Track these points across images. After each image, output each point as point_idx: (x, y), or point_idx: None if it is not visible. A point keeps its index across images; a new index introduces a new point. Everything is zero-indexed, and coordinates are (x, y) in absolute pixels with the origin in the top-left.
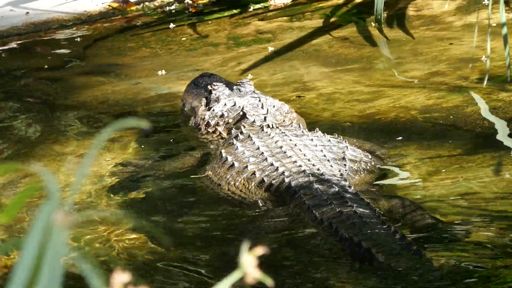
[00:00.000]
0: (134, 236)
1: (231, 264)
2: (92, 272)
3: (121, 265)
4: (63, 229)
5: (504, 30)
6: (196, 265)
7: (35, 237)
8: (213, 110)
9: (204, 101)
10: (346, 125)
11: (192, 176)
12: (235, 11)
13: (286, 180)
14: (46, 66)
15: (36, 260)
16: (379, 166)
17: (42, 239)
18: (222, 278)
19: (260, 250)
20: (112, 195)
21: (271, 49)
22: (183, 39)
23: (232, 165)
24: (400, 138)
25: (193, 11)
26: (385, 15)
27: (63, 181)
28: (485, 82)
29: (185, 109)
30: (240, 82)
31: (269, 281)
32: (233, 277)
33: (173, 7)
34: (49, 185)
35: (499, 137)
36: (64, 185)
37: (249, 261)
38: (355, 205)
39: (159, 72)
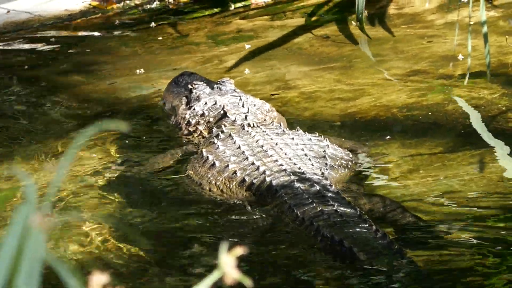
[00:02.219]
0: (113, 237)
1: (211, 264)
2: (70, 274)
3: (99, 266)
4: (41, 231)
5: (485, 28)
6: (175, 266)
7: (12, 239)
8: (194, 109)
9: (184, 100)
10: (327, 124)
11: (173, 176)
12: (216, 10)
13: (267, 179)
14: (26, 67)
15: (13, 262)
16: (360, 164)
17: (20, 241)
18: (202, 278)
19: (239, 250)
20: (92, 195)
21: (247, 46)
22: (163, 38)
23: (213, 164)
24: (388, 137)
25: (174, 9)
26: (366, 13)
27: (42, 182)
28: (466, 81)
29: (166, 108)
30: (221, 80)
31: (248, 282)
32: (213, 277)
33: (153, 5)
34: (26, 186)
35: (482, 139)
36: (43, 185)
37: (228, 261)
38: (336, 204)
39: (138, 71)
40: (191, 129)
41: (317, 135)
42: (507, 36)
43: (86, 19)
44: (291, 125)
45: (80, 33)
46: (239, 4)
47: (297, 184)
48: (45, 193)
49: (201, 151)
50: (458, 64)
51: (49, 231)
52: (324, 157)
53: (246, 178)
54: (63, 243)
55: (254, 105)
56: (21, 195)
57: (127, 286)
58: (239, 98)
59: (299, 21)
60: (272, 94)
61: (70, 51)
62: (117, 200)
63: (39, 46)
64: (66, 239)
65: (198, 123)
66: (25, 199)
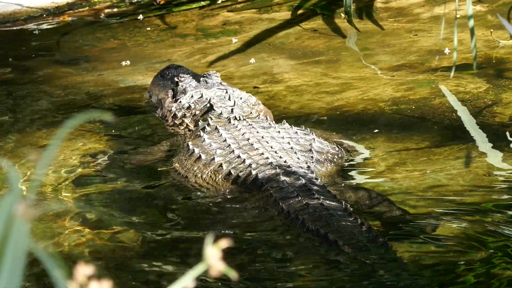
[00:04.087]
0: (97, 228)
1: (196, 256)
2: (54, 265)
3: (84, 258)
4: (25, 221)
5: (471, 23)
6: (161, 258)
7: None
8: (180, 102)
9: (171, 92)
10: (314, 117)
11: (159, 169)
12: (203, 2)
13: (253, 172)
14: (10, 60)
15: None
16: (346, 158)
17: (4, 231)
18: (187, 270)
19: (224, 243)
20: (77, 187)
21: (234, 40)
22: (151, 30)
23: (199, 157)
24: (376, 131)
25: (162, 2)
26: (354, 7)
27: (27, 172)
28: (452, 74)
29: (152, 100)
30: (207, 73)
31: (233, 274)
32: (198, 269)
33: None
34: (11, 176)
35: (468, 133)
36: (28, 176)
37: (213, 253)
38: (321, 197)
39: (123, 63)
40: (177, 122)
41: (304, 128)
42: (491, 30)
43: (73, 11)
44: (278, 119)
45: (67, 25)
46: None
47: (282, 178)
48: (29, 184)
49: (187, 144)
50: (445, 58)
51: (33, 222)
52: (310, 150)
53: (232, 171)
54: (48, 234)
55: (241, 98)
56: (5, 184)
57: (112, 278)
58: (225, 91)
59: (286, 14)
60: (255, 87)
61: (56, 43)
62: (102, 192)
63: (26, 38)
64: (51, 230)
65: (184, 116)
66: (9, 188)
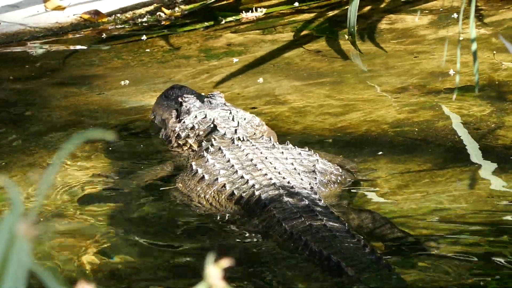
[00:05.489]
0: (99, 248)
1: (198, 275)
2: (56, 283)
3: (86, 276)
4: (26, 240)
5: (474, 46)
6: (163, 277)
7: None
8: (184, 122)
9: (174, 113)
10: (317, 139)
11: (162, 188)
12: (207, 23)
13: (256, 193)
14: (11, 77)
15: None
16: (349, 180)
17: (5, 250)
18: None
19: (226, 262)
20: (81, 206)
21: (235, 60)
22: (154, 51)
23: (203, 177)
24: (380, 153)
25: (166, 24)
26: (357, 28)
27: (30, 192)
28: (454, 96)
29: (156, 121)
30: (211, 94)
31: None
32: None
33: (144, 19)
34: (12, 196)
35: (471, 155)
36: (31, 195)
37: (215, 273)
38: (325, 218)
39: (123, 83)
40: (180, 142)
41: (307, 149)
42: (494, 52)
43: (77, 32)
44: (281, 140)
45: (71, 47)
46: (230, 19)
47: (286, 198)
48: (31, 203)
49: (191, 164)
50: (448, 80)
51: (35, 241)
52: (314, 171)
53: (235, 192)
54: (49, 253)
55: (244, 119)
56: (7, 204)
57: None
58: (229, 111)
59: (289, 35)
60: (253, 108)
61: (60, 63)
62: (104, 212)
63: (30, 58)
64: (52, 249)
65: (188, 136)
66: (11, 208)
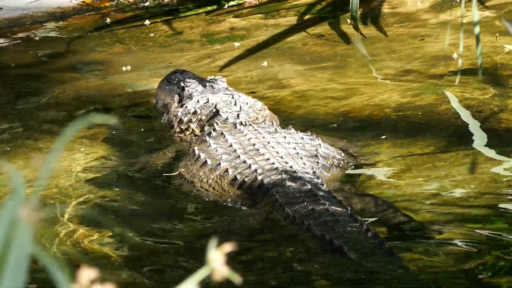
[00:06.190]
0: (102, 232)
1: (200, 260)
2: (58, 268)
3: (88, 262)
4: (28, 225)
5: (477, 29)
6: (165, 262)
7: None
8: (186, 107)
9: (176, 97)
10: (320, 123)
11: (164, 174)
12: (209, 8)
13: (259, 177)
14: (12, 64)
15: (0, 256)
16: (352, 164)
17: (7, 235)
18: (191, 275)
19: (228, 247)
20: (83, 191)
21: (237, 45)
22: (157, 35)
23: (205, 162)
24: (383, 137)
25: (168, 7)
26: (360, 12)
27: (32, 177)
28: (457, 80)
29: (158, 105)
30: (213, 78)
31: (237, 278)
32: (201, 273)
33: (147, 3)
34: (14, 181)
35: (474, 139)
36: (33, 180)
37: (217, 257)
38: (327, 203)
39: (124, 68)
40: (183, 127)
41: (309, 134)
42: (497, 34)
43: (79, 16)
44: (284, 124)
45: (73, 31)
46: (232, 3)
47: (288, 183)
48: (33, 188)
49: (193, 149)
50: (451, 64)
51: (37, 225)
52: (316, 156)
53: (238, 176)
54: (51, 237)
55: (247, 104)
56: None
57: (116, 282)
58: (231, 96)
59: (292, 19)
60: (252, 92)
61: (62, 48)
62: (107, 197)
63: (32, 43)
64: (54, 234)
65: (190, 121)
66: (12, 192)
